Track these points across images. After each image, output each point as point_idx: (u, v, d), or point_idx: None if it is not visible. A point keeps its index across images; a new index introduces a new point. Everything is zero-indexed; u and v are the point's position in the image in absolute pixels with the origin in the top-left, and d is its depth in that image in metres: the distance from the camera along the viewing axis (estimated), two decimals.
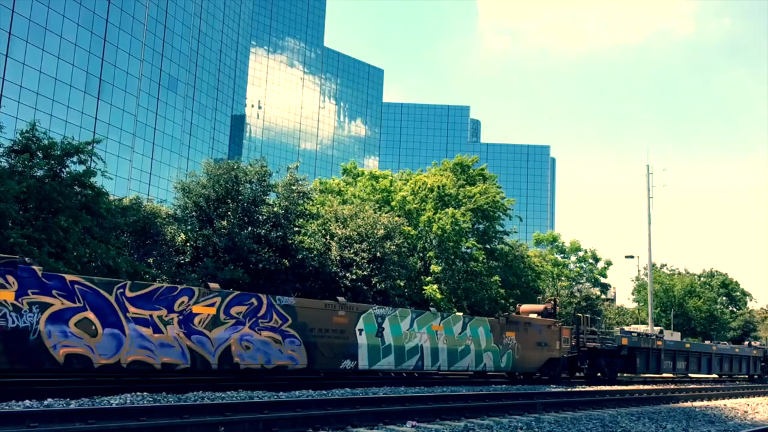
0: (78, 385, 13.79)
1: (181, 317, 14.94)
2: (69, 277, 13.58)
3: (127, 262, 22.02)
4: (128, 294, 14.18)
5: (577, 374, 29.87)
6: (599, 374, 28.91)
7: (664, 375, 34.33)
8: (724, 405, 19.11)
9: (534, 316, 26.69)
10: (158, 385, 14.72)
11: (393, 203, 40.83)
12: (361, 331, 18.96)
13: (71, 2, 65.85)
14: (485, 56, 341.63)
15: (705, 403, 20.06)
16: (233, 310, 16.02)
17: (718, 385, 30.13)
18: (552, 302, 29.98)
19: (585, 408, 15.67)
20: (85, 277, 14.25)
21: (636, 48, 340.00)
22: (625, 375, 33.07)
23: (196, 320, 15.25)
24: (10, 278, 12.49)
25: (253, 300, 16.56)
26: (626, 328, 42.86)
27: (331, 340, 18.11)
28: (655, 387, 24.57)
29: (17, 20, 59.33)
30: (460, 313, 26.17)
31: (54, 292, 13.08)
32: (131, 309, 14.13)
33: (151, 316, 14.43)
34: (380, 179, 42.96)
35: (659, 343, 31.55)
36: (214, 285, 16.31)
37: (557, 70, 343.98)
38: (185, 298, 15.16)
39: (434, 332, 21.42)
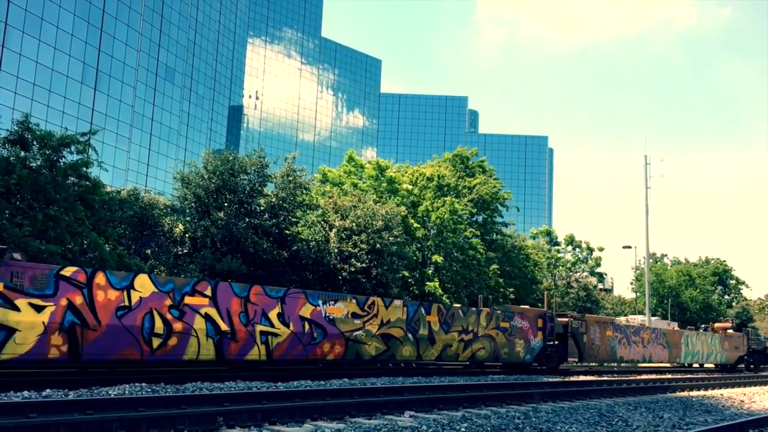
0: (76, 376, 13.81)
1: (621, 336, 30.81)
2: (591, 317, 30.85)
3: (115, 257, 21.96)
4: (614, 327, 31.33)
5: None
6: (752, 366, 41.92)
7: None
8: (721, 395, 19.20)
9: (730, 332, 41.83)
10: (156, 375, 14.76)
11: (400, 193, 40.55)
12: (682, 343, 36.12)
13: None
14: (483, 47, 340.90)
15: (702, 392, 20.15)
16: (643, 334, 32.97)
17: (716, 375, 30.46)
18: (732, 320, 49.99)
19: (582, 398, 15.72)
20: (600, 317, 34.74)
21: (636, 38, 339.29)
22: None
23: (636, 338, 31.98)
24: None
25: (650, 329, 34.71)
26: (623, 319, 43.71)
27: (673, 347, 35.25)
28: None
29: (13, 10, 59.04)
30: (711, 332, 40.62)
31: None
32: (608, 332, 29.94)
33: (620, 338, 30.73)
34: (387, 169, 42.51)
35: None
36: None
37: (556, 61, 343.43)
38: (641, 331, 32.78)
39: (702, 342, 37.82)
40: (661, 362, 35.42)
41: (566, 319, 27.01)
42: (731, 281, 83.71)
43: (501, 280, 43.66)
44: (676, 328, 44.53)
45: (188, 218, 28.44)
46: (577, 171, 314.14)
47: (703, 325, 45.59)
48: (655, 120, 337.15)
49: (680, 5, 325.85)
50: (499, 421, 10.55)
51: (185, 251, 27.71)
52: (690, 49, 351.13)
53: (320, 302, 17.70)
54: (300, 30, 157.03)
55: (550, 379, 20.26)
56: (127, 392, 11.56)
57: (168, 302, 14.57)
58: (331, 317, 17.89)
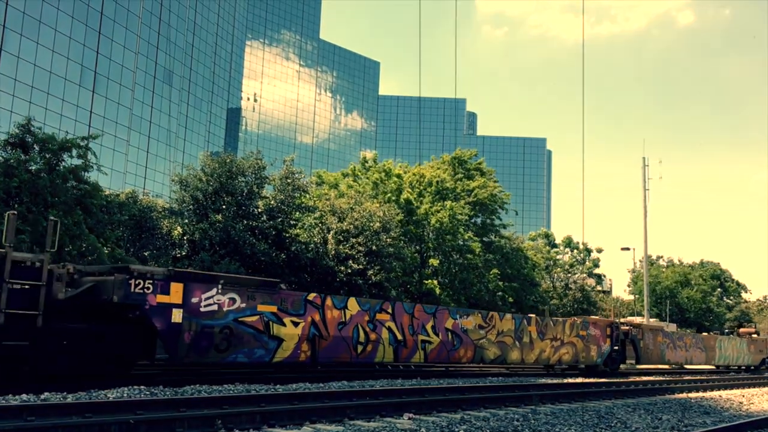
0: (75, 380, 13.78)
1: (669, 341, 34.20)
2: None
3: (113, 259, 21.93)
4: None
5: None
6: None
7: None
8: (720, 396, 19.21)
9: (755, 336, 45.63)
10: (154, 378, 14.73)
11: (401, 199, 40.32)
12: (716, 347, 39.03)
13: None
14: (482, 48, 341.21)
15: (701, 394, 20.15)
16: (686, 339, 36.36)
17: (714, 376, 30.50)
18: (755, 326, 54.72)
19: (581, 400, 15.73)
20: (652, 325, 37.95)
21: (636, 38, 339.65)
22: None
23: (681, 343, 35.27)
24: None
25: (691, 335, 38.26)
26: (622, 320, 43.89)
27: (710, 351, 38.44)
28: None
29: (11, 13, 59.02)
30: (738, 337, 44.39)
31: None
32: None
33: (668, 343, 34.04)
34: (392, 176, 42.15)
35: None
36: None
37: (554, 62, 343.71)
38: (684, 337, 36.66)
39: (733, 346, 41.08)
40: (700, 364, 38.90)
41: (627, 328, 31.00)
42: (731, 284, 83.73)
43: (501, 283, 43.62)
44: (675, 329, 45.04)
45: (186, 220, 28.45)
46: (575, 173, 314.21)
47: (726, 330, 49.71)
48: (655, 121, 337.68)
49: (678, 6, 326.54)
50: (498, 423, 10.56)
51: (183, 253, 27.71)
52: (690, 49, 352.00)
53: (458, 316, 21.98)
54: (298, 32, 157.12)
55: (549, 381, 20.28)
56: (125, 395, 11.54)
57: (366, 318, 18.86)
58: (464, 328, 21.96)
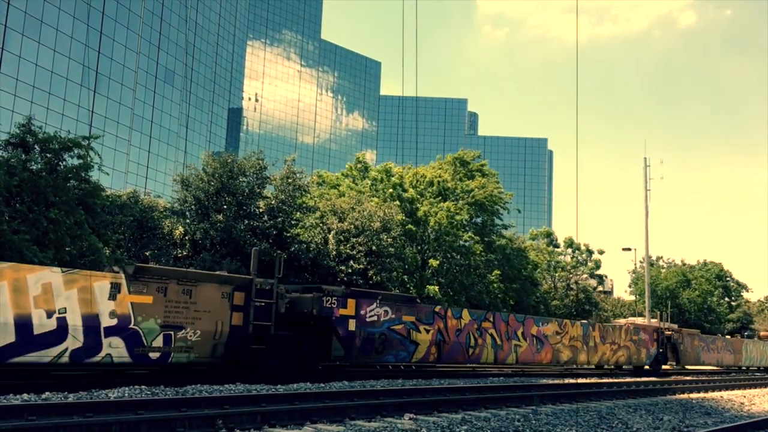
0: (76, 380, 13.79)
1: (704, 344, 37.07)
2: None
3: (112, 261, 21.86)
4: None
5: None
6: None
7: None
8: (721, 397, 19.18)
9: None
10: (156, 378, 14.75)
11: (403, 197, 40.29)
12: (743, 350, 42.04)
13: None
14: (483, 48, 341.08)
15: (702, 394, 20.13)
16: (717, 343, 39.18)
17: (716, 377, 30.52)
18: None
19: (582, 400, 15.71)
20: (690, 330, 38.82)
21: (636, 39, 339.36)
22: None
23: (713, 346, 37.91)
24: None
25: (722, 339, 40.20)
26: (623, 321, 43.96)
27: (737, 353, 41.26)
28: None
29: (13, 12, 59.07)
30: (760, 340, 47.96)
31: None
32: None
33: (703, 346, 37.02)
34: (393, 175, 42.10)
35: None
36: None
37: (555, 62, 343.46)
38: (716, 341, 39.47)
39: (757, 348, 43.74)
40: (729, 365, 41.44)
41: (669, 332, 34.33)
42: (732, 285, 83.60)
43: (502, 285, 43.54)
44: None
45: (188, 220, 28.46)
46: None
47: (746, 333, 53.23)
48: (655, 121, 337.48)
49: (679, 6, 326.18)
50: (499, 424, 10.55)
51: (185, 253, 27.72)
52: (691, 49, 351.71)
53: (540, 324, 25.19)
54: (299, 32, 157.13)
55: (550, 381, 20.30)
56: (126, 395, 11.54)
57: (475, 326, 22.20)
58: (545, 334, 25.20)
